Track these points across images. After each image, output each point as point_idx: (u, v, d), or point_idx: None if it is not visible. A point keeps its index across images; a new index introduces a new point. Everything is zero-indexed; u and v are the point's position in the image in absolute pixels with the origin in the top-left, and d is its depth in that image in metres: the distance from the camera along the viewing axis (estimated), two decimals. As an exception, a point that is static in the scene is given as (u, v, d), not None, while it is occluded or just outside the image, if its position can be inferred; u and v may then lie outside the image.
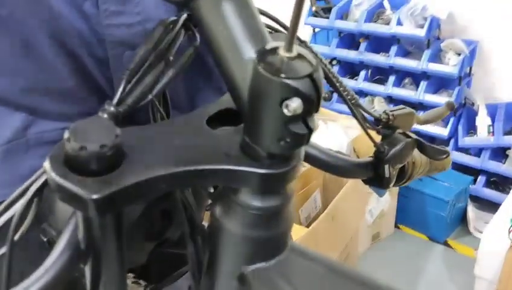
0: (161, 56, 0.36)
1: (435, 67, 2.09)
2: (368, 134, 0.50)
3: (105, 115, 0.33)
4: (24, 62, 0.42)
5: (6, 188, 0.47)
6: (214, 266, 0.38)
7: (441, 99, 2.12)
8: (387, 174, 0.52)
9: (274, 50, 0.27)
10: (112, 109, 0.33)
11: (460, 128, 2.12)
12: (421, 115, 0.60)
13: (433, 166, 0.62)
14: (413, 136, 0.54)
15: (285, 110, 0.27)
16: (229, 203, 0.34)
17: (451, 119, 2.13)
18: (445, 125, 2.14)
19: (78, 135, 0.28)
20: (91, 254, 0.34)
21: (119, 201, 0.29)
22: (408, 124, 0.54)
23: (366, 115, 0.50)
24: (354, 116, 0.48)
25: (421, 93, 2.15)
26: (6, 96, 0.45)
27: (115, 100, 0.34)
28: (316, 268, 0.37)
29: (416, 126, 0.57)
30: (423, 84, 2.15)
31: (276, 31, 0.41)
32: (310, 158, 0.50)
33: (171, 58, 0.38)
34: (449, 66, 2.06)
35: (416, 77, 2.21)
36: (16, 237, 0.32)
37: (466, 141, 2.07)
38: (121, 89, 0.34)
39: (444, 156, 0.55)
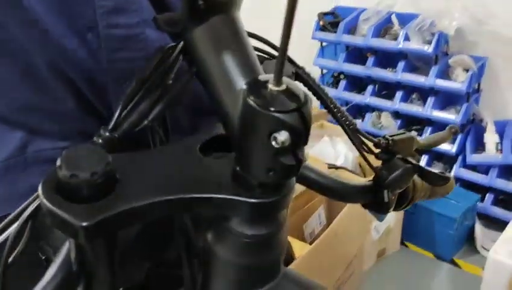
0: (158, 82, 0.37)
1: (442, 83, 2.08)
2: (365, 159, 0.50)
3: (100, 140, 0.34)
4: (23, 83, 0.43)
5: (5, 204, 0.48)
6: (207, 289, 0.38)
7: (448, 115, 2.11)
8: (386, 200, 0.52)
9: (263, 83, 0.27)
10: (107, 134, 0.34)
11: (468, 145, 2.11)
12: (422, 139, 0.59)
13: (435, 190, 0.61)
14: (414, 161, 0.53)
15: (273, 143, 0.27)
16: (220, 230, 0.34)
17: (459, 136, 2.12)
18: (453, 142, 2.13)
19: (69, 163, 0.28)
20: (83, 275, 0.35)
21: (109, 227, 0.30)
22: (408, 149, 0.54)
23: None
24: (352, 141, 0.48)
25: (428, 109, 2.14)
26: (5, 115, 0.46)
27: (110, 125, 0.34)
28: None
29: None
30: (430, 100, 2.14)
31: (270, 55, 0.42)
32: (308, 181, 0.50)
33: (170, 82, 0.39)
34: (457, 82, 2.05)
35: (423, 93, 2.20)
36: (10, 259, 0.32)
37: (474, 158, 2.06)
38: (116, 115, 0.35)
39: (445, 182, 0.55)
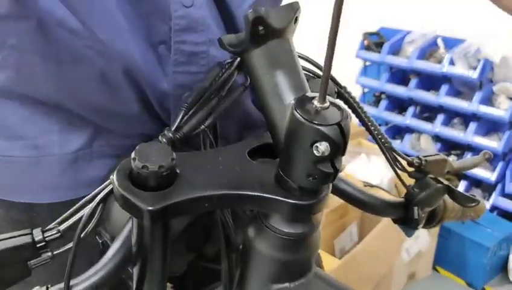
0: (215, 93, 0.42)
1: (485, 109, 2.07)
2: (398, 176, 0.54)
3: (164, 140, 0.39)
4: (98, 86, 0.49)
5: (71, 191, 0.54)
6: (244, 282, 0.42)
7: (490, 142, 2.09)
8: (416, 216, 0.54)
9: (310, 99, 0.32)
10: (170, 135, 0.39)
11: (508, 173, 2.07)
12: (456, 162, 0.62)
13: (466, 212, 0.63)
14: (445, 182, 0.56)
15: (314, 151, 0.32)
16: (261, 227, 0.39)
17: (500, 164, 2.09)
18: (493, 170, 2.09)
19: (141, 156, 0.34)
20: (140, 257, 0.40)
21: (169, 213, 0.35)
22: (440, 170, 0.57)
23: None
24: (386, 158, 0.51)
25: (469, 135, 2.12)
26: (78, 112, 0.52)
27: (173, 127, 0.40)
28: (335, 294, 0.41)
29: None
30: (472, 125, 2.12)
31: (316, 74, 0.46)
32: (343, 194, 0.54)
33: (224, 93, 0.44)
34: (500, 110, 2.03)
35: (465, 118, 2.19)
36: (82, 235, 0.38)
37: (513, 187, 2.02)
38: (179, 119, 0.40)
39: (473, 204, 0.57)
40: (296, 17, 0.35)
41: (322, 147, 0.31)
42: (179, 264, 0.55)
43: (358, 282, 1.57)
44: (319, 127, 0.31)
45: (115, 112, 0.51)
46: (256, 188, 0.36)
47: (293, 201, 0.36)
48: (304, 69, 0.44)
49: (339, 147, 0.32)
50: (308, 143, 0.32)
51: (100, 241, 0.50)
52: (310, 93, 0.32)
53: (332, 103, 0.32)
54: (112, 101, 0.50)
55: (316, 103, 0.31)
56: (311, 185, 0.35)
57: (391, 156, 0.52)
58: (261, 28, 0.33)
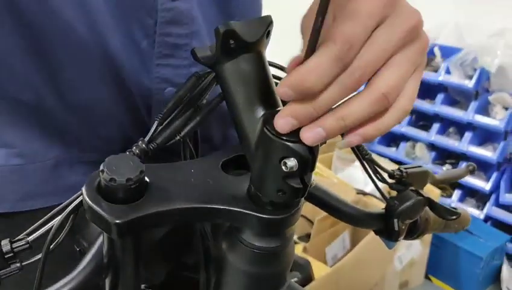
0: (192, 103, 0.42)
1: (481, 119, 2.07)
2: (377, 188, 0.53)
3: (137, 150, 0.39)
4: (80, 85, 0.48)
5: (52, 196, 0.54)
6: (218, 294, 0.42)
7: (485, 152, 2.09)
8: (396, 228, 0.54)
9: (280, 115, 0.32)
10: (144, 146, 0.39)
11: (502, 184, 2.07)
12: (438, 174, 0.62)
13: (449, 224, 0.63)
14: (425, 194, 0.56)
15: (283, 167, 0.32)
16: (234, 240, 0.38)
17: (494, 174, 2.08)
18: (488, 179, 2.09)
19: (110, 168, 0.34)
20: (111, 268, 0.40)
21: (138, 227, 0.34)
22: (422, 182, 0.57)
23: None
24: (366, 170, 0.51)
25: (465, 144, 2.12)
26: (60, 115, 0.51)
27: (147, 138, 0.39)
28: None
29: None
30: (468, 135, 2.12)
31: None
32: (325, 205, 0.53)
33: (204, 102, 0.44)
34: (496, 120, 2.03)
35: (461, 127, 2.19)
36: (52, 247, 0.37)
37: (507, 197, 2.02)
38: (152, 130, 0.40)
39: (454, 217, 0.57)
40: (268, 31, 0.35)
41: (291, 163, 0.31)
42: (156, 274, 0.55)
43: (350, 290, 1.57)
44: (288, 143, 0.31)
45: (97, 113, 0.51)
46: (228, 202, 0.36)
47: (264, 216, 0.35)
48: (279, 79, 0.43)
49: (307, 162, 0.32)
50: (277, 159, 0.32)
51: (78, 249, 0.49)
52: (279, 108, 0.32)
53: (301, 119, 0.31)
54: (94, 101, 0.50)
55: (285, 118, 0.31)
56: (281, 200, 0.34)
57: (371, 168, 0.52)
58: (232, 41, 0.33)
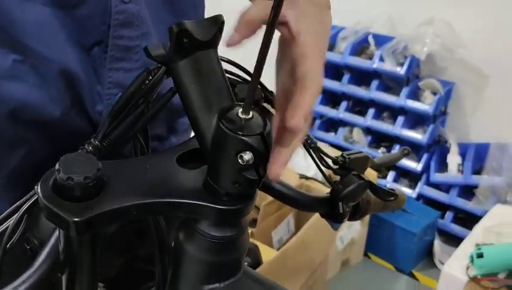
0: (143, 98, 0.42)
1: (412, 104, 2.19)
2: (323, 174, 0.57)
3: (91, 148, 0.39)
4: (32, 92, 0.47)
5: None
6: (176, 284, 0.43)
7: (416, 135, 2.21)
8: (341, 211, 0.58)
9: (234, 110, 0.33)
10: (97, 143, 0.39)
11: (432, 164, 2.21)
12: (376, 158, 0.66)
13: (387, 205, 0.68)
14: (366, 178, 0.60)
15: (239, 160, 0.33)
16: (191, 231, 0.40)
17: (425, 155, 2.22)
18: (419, 160, 2.23)
19: (66, 167, 0.34)
20: (68, 265, 0.40)
21: (96, 224, 0.35)
22: (363, 167, 0.61)
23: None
24: (312, 158, 0.54)
25: (397, 128, 2.24)
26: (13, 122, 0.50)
27: (100, 136, 0.40)
28: (263, 291, 0.43)
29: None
30: (400, 119, 2.24)
31: (244, 79, 0.48)
32: (273, 191, 0.56)
33: (152, 98, 0.44)
34: (425, 104, 2.16)
35: (394, 112, 2.30)
36: (8, 246, 0.37)
37: (437, 177, 2.16)
38: (105, 127, 0.40)
39: (392, 198, 0.61)
40: (221, 29, 0.36)
41: (247, 157, 0.33)
42: (110, 268, 0.55)
43: (296, 271, 1.62)
44: (243, 138, 0.33)
45: (48, 117, 0.50)
46: (184, 195, 0.37)
47: (221, 207, 0.37)
48: (233, 74, 0.45)
49: (262, 155, 0.34)
50: (233, 153, 0.33)
51: (28, 247, 0.48)
52: (234, 104, 0.34)
53: (255, 115, 0.33)
54: (46, 106, 0.49)
55: (240, 114, 0.33)
56: (237, 191, 0.36)
57: (317, 156, 0.54)
58: (185, 40, 0.34)
